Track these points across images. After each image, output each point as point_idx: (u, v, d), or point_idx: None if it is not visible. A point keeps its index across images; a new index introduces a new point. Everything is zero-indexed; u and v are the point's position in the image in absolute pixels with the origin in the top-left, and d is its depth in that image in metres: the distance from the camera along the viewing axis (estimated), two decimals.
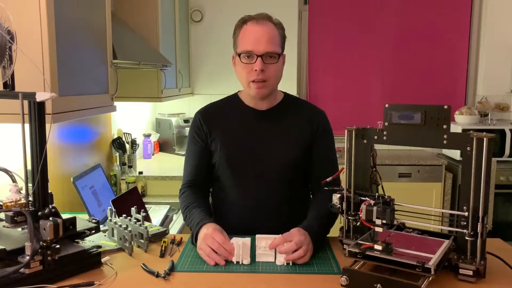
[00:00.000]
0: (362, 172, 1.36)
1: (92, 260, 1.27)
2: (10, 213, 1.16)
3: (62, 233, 1.17)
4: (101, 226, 1.43)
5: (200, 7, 3.98)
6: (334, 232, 1.48)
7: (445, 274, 1.20)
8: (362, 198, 1.32)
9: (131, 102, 3.16)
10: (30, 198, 1.20)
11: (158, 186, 2.95)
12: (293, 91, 3.80)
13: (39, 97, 1.14)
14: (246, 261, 1.31)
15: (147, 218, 1.97)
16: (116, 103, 2.02)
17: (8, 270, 1.11)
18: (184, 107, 4.03)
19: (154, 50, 2.66)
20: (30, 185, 1.21)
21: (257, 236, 1.34)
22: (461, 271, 1.18)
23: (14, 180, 1.26)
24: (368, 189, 1.36)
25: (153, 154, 3.62)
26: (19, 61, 1.19)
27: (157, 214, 2.42)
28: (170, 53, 3.09)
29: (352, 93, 4.11)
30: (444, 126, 1.22)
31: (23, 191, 1.21)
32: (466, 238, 1.18)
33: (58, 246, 1.17)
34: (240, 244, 1.31)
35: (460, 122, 3.64)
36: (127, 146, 2.95)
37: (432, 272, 1.08)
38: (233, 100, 1.64)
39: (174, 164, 3.34)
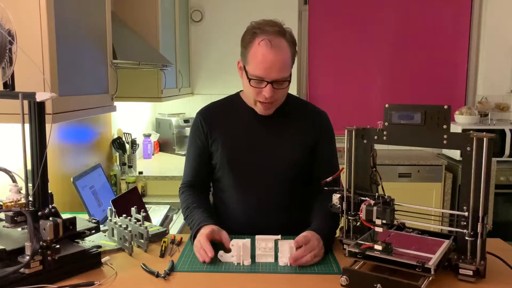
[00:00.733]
0: (362, 172, 1.36)
1: (92, 260, 1.27)
2: (10, 213, 1.16)
3: (62, 233, 1.17)
4: (101, 226, 1.43)
5: (200, 7, 3.98)
6: None
7: (445, 274, 1.20)
8: (362, 198, 1.32)
9: (131, 102, 3.16)
10: (30, 198, 1.20)
11: (158, 186, 2.95)
12: (293, 91, 3.75)
13: (39, 97, 1.14)
14: (247, 262, 1.31)
15: (147, 218, 1.97)
16: (116, 103, 2.02)
17: (8, 270, 1.11)
18: (184, 107, 4.02)
19: (154, 50, 2.66)
20: (30, 185, 1.21)
21: (257, 237, 1.34)
22: (461, 271, 1.18)
23: (14, 180, 1.26)
24: (368, 189, 1.36)
25: (153, 154, 3.62)
26: (19, 61, 1.19)
27: (157, 214, 2.43)
28: (170, 53, 3.09)
29: (352, 93, 4.11)
30: (444, 126, 1.22)
31: (23, 191, 1.21)
32: (466, 238, 1.18)
33: (58, 246, 1.17)
34: (240, 246, 1.31)
35: (460, 122, 3.64)
36: (127, 146, 2.95)
37: (432, 272, 1.09)
38: (235, 101, 1.64)
39: (174, 164, 3.34)
